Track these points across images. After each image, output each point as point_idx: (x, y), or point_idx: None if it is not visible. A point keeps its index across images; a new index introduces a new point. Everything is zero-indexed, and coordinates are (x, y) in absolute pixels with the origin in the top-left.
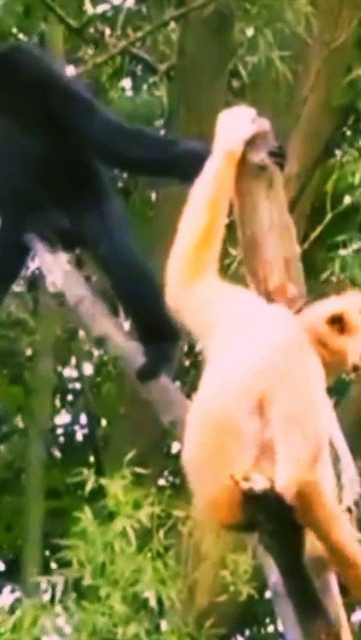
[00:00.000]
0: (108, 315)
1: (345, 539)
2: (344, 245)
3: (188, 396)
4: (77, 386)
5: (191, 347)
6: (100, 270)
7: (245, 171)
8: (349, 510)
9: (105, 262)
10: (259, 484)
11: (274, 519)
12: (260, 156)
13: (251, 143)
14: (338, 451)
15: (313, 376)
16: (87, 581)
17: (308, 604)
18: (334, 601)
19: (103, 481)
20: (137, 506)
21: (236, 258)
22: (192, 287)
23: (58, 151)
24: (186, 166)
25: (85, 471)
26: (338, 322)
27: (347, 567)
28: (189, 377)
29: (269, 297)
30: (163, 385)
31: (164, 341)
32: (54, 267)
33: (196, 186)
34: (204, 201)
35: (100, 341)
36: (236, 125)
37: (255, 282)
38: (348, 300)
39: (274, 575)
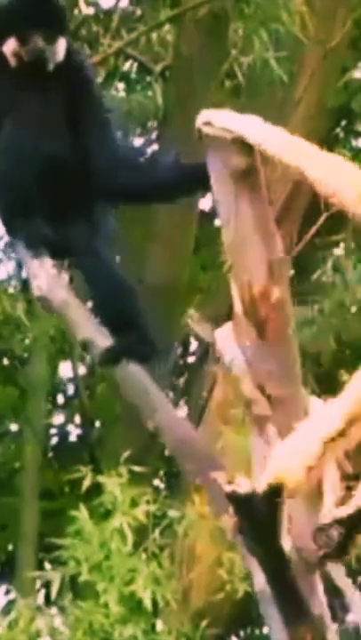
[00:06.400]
0: (93, 319)
1: None
2: (337, 245)
3: (182, 397)
4: (71, 387)
5: (186, 349)
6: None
7: (229, 173)
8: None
9: (88, 277)
10: (242, 487)
11: (257, 523)
12: (243, 159)
13: (234, 147)
14: None
15: None
16: (84, 577)
17: (294, 607)
18: (320, 603)
19: (101, 478)
20: (134, 503)
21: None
22: None
23: (73, 152)
24: (192, 187)
25: (82, 468)
26: None
27: None
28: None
29: (254, 302)
30: (146, 390)
31: (136, 338)
32: (40, 271)
33: None
34: None
35: (85, 345)
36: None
37: (239, 286)
38: None
39: (259, 578)
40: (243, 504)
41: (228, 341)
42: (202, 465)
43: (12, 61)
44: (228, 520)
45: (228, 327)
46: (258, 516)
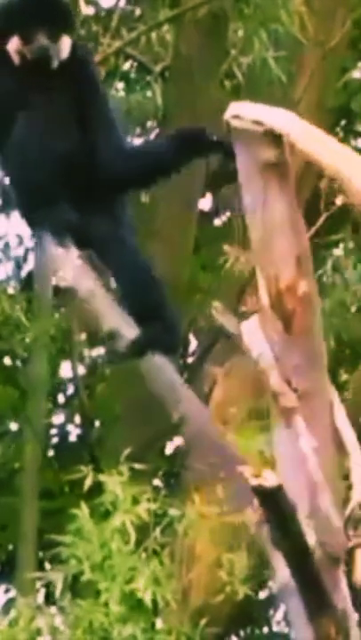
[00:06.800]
0: (119, 309)
1: None
2: (336, 245)
3: None
4: (71, 386)
5: (185, 349)
6: (108, 271)
7: (257, 167)
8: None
9: (114, 266)
10: (269, 480)
11: (283, 517)
12: (272, 152)
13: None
14: (348, 447)
15: None
16: (86, 576)
17: (318, 600)
18: (343, 597)
19: (102, 477)
20: (135, 502)
21: (231, 256)
22: None
23: (83, 148)
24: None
25: (83, 468)
26: None
27: None
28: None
29: (280, 295)
30: (171, 381)
31: (162, 329)
32: (65, 261)
33: None
34: None
35: (112, 336)
36: None
37: (266, 280)
38: None
39: (283, 572)
40: (269, 498)
41: (255, 334)
42: (225, 458)
43: (16, 59)
44: (252, 514)
45: (254, 320)
46: (284, 510)
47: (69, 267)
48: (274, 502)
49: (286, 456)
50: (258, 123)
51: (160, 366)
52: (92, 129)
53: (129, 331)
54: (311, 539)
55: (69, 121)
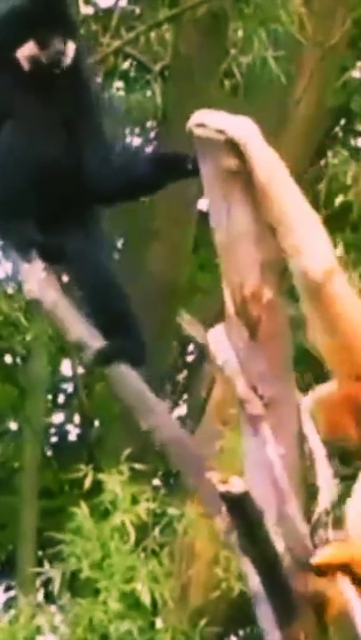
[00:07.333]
0: (84, 320)
1: None
2: (335, 245)
3: (182, 393)
4: (70, 385)
5: (185, 348)
6: (75, 285)
7: (220, 175)
8: (327, 512)
9: (83, 280)
10: (236, 487)
11: (251, 523)
12: (233, 161)
13: (225, 147)
14: (314, 452)
15: None
16: (85, 573)
17: (287, 606)
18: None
19: (102, 476)
20: (134, 501)
21: None
22: None
23: (61, 162)
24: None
25: (83, 467)
26: None
27: None
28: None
29: (245, 303)
30: (138, 391)
31: (128, 341)
32: (30, 274)
33: None
34: None
35: (78, 347)
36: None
37: (231, 287)
38: None
39: (255, 579)
40: (236, 504)
41: (221, 342)
42: (193, 466)
43: (27, 65)
44: (221, 521)
45: (220, 328)
46: (251, 516)
47: (34, 279)
48: (241, 509)
49: (254, 463)
50: (220, 131)
51: (127, 376)
52: (79, 138)
53: (94, 342)
54: (280, 545)
55: (59, 129)
